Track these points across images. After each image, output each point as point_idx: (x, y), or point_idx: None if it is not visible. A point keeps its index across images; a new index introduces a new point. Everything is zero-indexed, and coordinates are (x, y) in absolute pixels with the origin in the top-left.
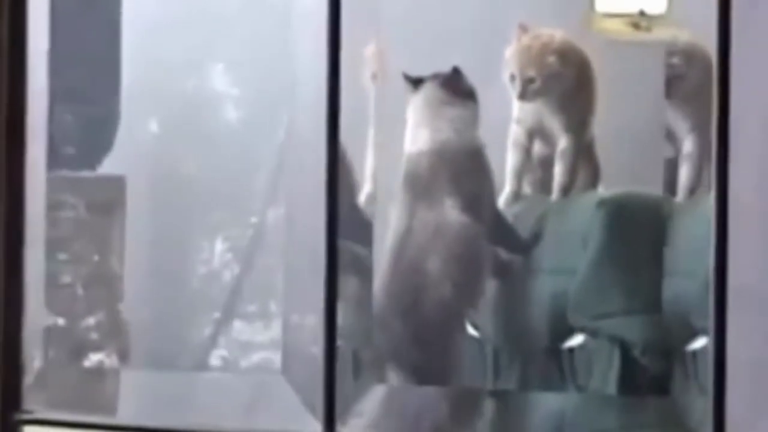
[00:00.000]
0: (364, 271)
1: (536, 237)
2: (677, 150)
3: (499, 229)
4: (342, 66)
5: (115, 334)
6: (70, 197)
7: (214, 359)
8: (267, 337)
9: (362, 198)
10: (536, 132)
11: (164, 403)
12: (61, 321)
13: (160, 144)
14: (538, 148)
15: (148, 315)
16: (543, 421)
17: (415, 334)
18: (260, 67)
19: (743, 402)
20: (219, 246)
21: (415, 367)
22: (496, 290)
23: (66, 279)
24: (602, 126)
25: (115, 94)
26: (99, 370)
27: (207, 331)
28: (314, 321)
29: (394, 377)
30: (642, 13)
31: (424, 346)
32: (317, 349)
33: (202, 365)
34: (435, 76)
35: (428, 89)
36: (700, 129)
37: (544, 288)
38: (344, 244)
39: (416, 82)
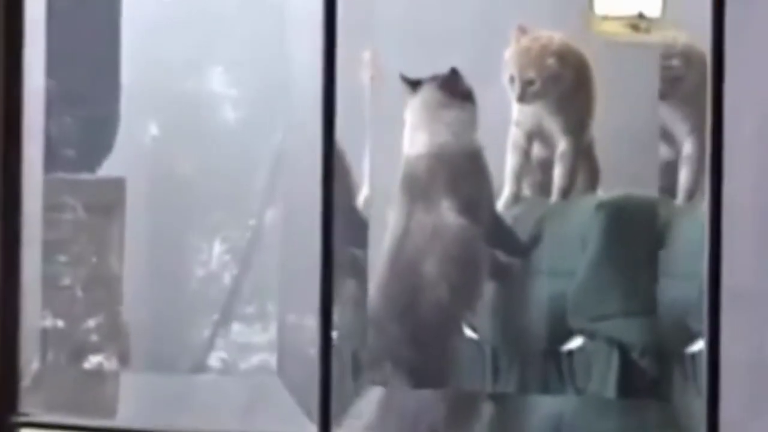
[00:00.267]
0: (361, 273)
1: (535, 239)
2: (677, 152)
3: (498, 232)
4: (339, 68)
5: (114, 336)
6: (69, 199)
7: (213, 361)
8: (265, 339)
9: (360, 200)
10: (535, 134)
11: (162, 405)
12: (60, 323)
13: (159, 146)
14: (537, 150)
15: (147, 317)
16: (541, 424)
17: (412, 336)
18: (258, 69)
19: (737, 403)
20: (217, 247)
21: (412, 369)
22: (495, 292)
23: (65, 281)
24: (601, 128)
25: (114, 96)
26: (98, 373)
27: (206, 332)
28: (310, 323)
29: (391, 379)
30: (641, 16)
31: (422, 348)
32: (313, 351)
33: (201, 367)
34: (433, 78)
35: (426, 91)
36: (699, 131)
37: (542, 290)
38: (341, 246)
39: (414, 84)
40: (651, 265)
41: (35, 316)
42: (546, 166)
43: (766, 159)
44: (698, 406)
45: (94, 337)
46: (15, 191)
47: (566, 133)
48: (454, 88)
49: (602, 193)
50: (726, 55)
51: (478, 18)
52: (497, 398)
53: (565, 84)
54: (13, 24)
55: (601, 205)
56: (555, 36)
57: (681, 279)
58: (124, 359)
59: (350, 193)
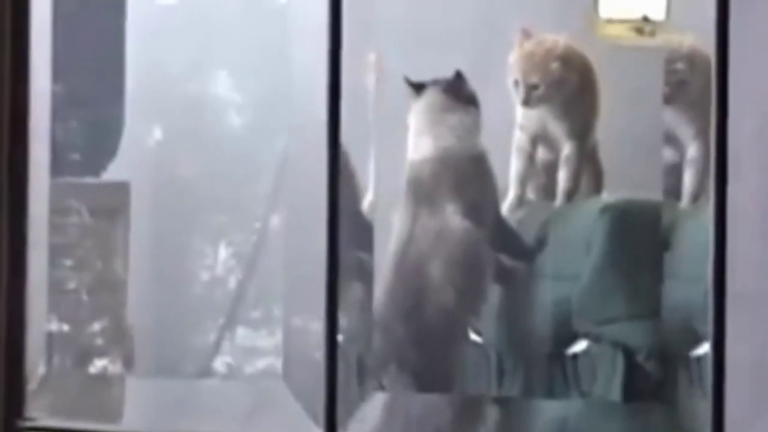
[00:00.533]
0: (366, 277)
1: (540, 243)
2: (681, 156)
3: (502, 235)
4: (344, 72)
5: (119, 340)
6: (73, 203)
7: (218, 365)
8: (271, 343)
9: (364, 204)
10: (540, 138)
11: (167, 409)
12: (65, 327)
13: (163, 150)
14: (541, 153)
15: (152, 321)
16: (546, 427)
17: (417, 340)
18: (262, 73)
19: (742, 404)
20: (222, 252)
21: (417, 373)
22: (499, 296)
23: (70, 285)
24: (606, 131)
25: (118, 99)
26: (103, 377)
27: (211, 337)
28: (316, 327)
29: (396, 383)
30: (645, 19)
31: (426, 352)
32: (319, 355)
33: (206, 371)
34: (436, 82)
35: (430, 95)
36: (704, 135)
37: (547, 294)
38: (346, 250)
39: (418, 88)
40: (655, 268)
41: (41, 320)
42: (550, 169)
43: None
44: (703, 410)
45: (99, 341)
46: (21, 194)
47: (570, 136)
48: (458, 92)
49: (607, 197)
50: (730, 57)
51: (482, 21)
52: (502, 402)
53: (569, 88)
54: (19, 26)
55: (605, 209)
56: (559, 40)
57: (686, 282)
58: (129, 363)
59: (355, 196)
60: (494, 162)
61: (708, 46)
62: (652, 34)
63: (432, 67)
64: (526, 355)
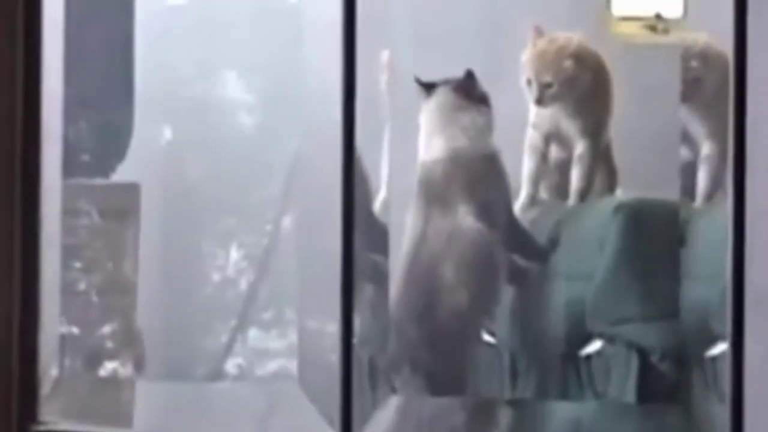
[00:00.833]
0: (380, 279)
1: (553, 243)
2: (695, 154)
3: (515, 235)
4: (356, 72)
5: (129, 343)
6: (83, 204)
7: (230, 367)
8: (283, 345)
9: (377, 205)
10: (553, 136)
11: (179, 412)
12: (75, 329)
13: (173, 151)
14: (554, 152)
15: (163, 323)
16: (560, 429)
17: (430, 342)
18: (273, 73)
19: (762, 405)
20: (234, 253)
21: (430, 375)
22: (512, 297)
23: (80, 287)
24: (619, 130)
25: (128, 101)
26: (113, 380)
27: (222, 339)
28: (330, 329)
29: (409, 386)
30: (658, 16)
31: (440, 354)
32: (334, 358)
33: (218, 373)
34: (447, 81)
35: (441, 94)
36: (718, 133)
37: (560, 294)
38: (360, 251)
39: (429, 87)
40: (670, 267)
41: (54, 323)
42: (563, 168)
43: None
44: (719, 412)
45: (109, 344)
46: (34, 196)
47: (584, 135)
48: (469, 91)
49: (620, 195)
50: (748, 54)
51: (494, 19)
52: (515, 404)
53: (582, 86)
54: (31, 28)
55: (619, 207)
56: (572, 37)
57: (701, 281)
58: (139, 366)
59: (367, 197)
60: (507, 161)
61: (723, 44)
62: (666, 31)
63: (443, 66)
64: (539, 355)
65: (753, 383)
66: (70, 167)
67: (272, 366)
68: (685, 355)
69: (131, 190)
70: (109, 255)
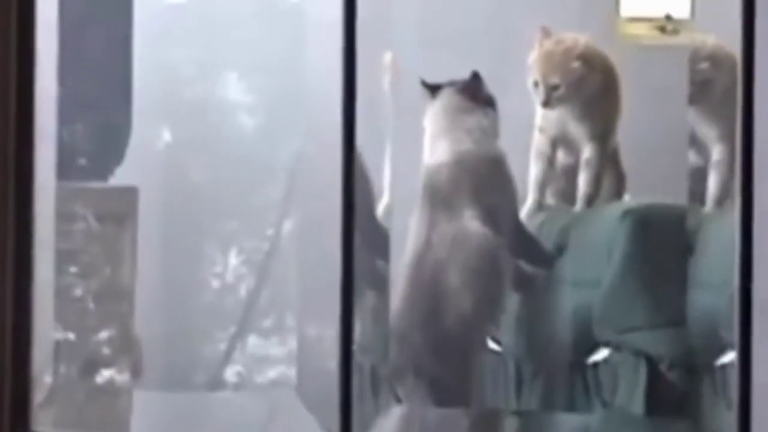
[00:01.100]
0: (385, 285)
1: (560, 249)
2: (705, 158)
3: (522, 241)
4: (358, 74)
5: (126, 350)
6: (80, 208)
7: (229, 375)
8: (283, 352)
9: (380, 209)
10: (560, 140)
11: (177, 421)
12: (71, 336)
13: (172, 153)
14: (561, 156)
15: (161, 330)
16: None
17: (435, 350)
18: (274, 74)
19: None
20: (233, 258)
21: (434, 383)
22: (519, 304)
23: (76, 292)
24: (627, 133)
25: (126, 102)
26: (110, 387)
27: (221, 346)
28: (330, 336)
29: (412, 395)
30: (668, 17)
31: (445, 362)
32: (333, 365)
33: (217, 381)
34: (452, 83)
35: (446, 96)
36: (729, 136)
37: (567, 301)
38: (363, 257)
39: (433, 89)
40: (679, 274)
41: (48, 329)
42: (570, 173)
43: None
44: (729, 422)
45: (106, 351)
46: (27, 198)
47: (591, 138)
48: (475, 93)
49: (628, 201)
50: (756, 56)
51: (500, 20)
52: (521, 413)
53: (590, 88)
54: (25, 26)
55: (627, 213)
56: (580, 39)
57: (711, 288)
58: (137, 374)
59: (370, 201)
60: (513, 165)
61: (732, 44)
62: (675, 32)
63: (448, 67)
64: (545, 364)
65: (761, 393)
66: (66, 170)
67: (272, 374)
68: (695, 364)
69: (129, 193)
70: (107, 260)
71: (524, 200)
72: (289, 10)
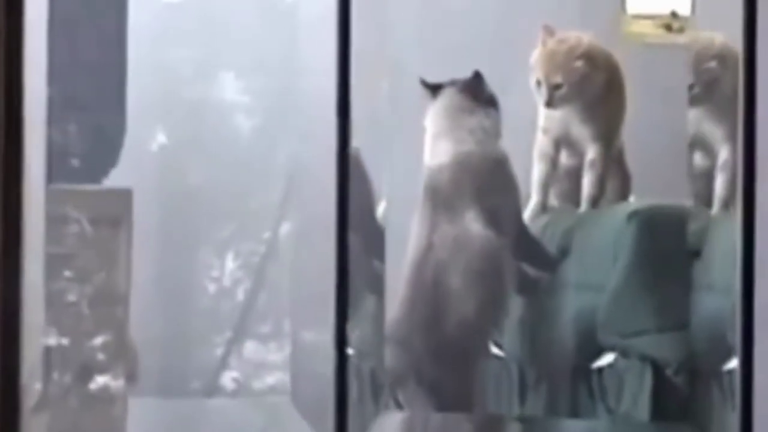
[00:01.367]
0: (384, 288)
1: (564, 251)
2: (712, 159)
3: (525, 244)
4: (357, 73)
5: (121, 356)
6: (73, 211)
7: (226, 381)
8: (280, 358)
9: (380, 211)
10: (563, 141)
11: (173, 428)
12: (64, 341)
13: (168, 155)
14: (565, 157)
15: (157, 335)
16: None
17: (435, 355)
18: (271, 75)
19: None
20: (230, 262)
21: (436, 388)
22: (522, 308)
23: (70, 297)
24: (633, 133)
25: (120, 102)
26: (104, 394)
27: (218, 352)
28: (325, 341)
29: (413, 400)
30: (674, 15)
31: (446, 367)
32: (328, 370)
33: (213, 387)
34: (454, 82)
35: (447, 96)
36: (735, 136)
37: (571, 305)
38: (363, 260)
39: (435, 89)
40: (686, 277)
41: (37, 334)
42: (574, 174)
43: None
44: (736, 427)
45: (100, 357)
46: (16, 200)
47: (596, 139)
48: (476, 93)
49: (634, 202)
50: (758, 54)
51: (502, 19)
52: (524, 419)
53: (594, 88)
54: (13, 25)
55: (632, 215)
56: (583, 37)
57: (717, 292)
58: (132, 380)
59: (371, 203)
60: (515, 166)
61: (735, 41)
62: (681, 30)
63: (449, 66)
64: (549, 369)
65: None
66: (58, 172)
67: (270, 380)
68: (702, 369)
69: (124, 196)
70: (101, 264)
71: (527, 202)
72: (287, 8)
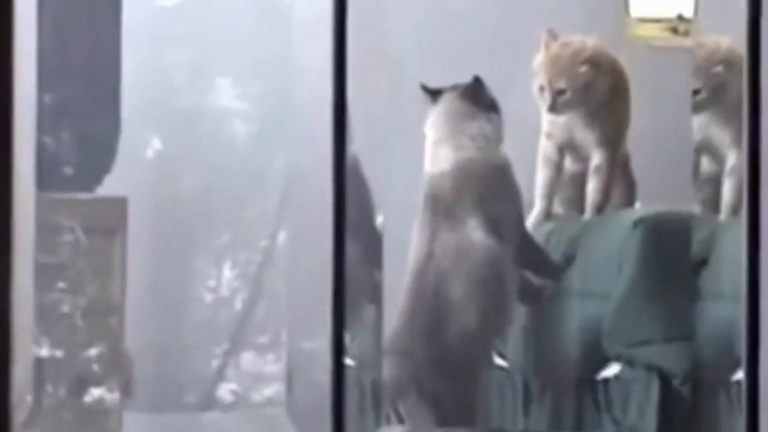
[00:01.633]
0: (380, 297)
1: (568, 259)
2: (719, 164)
3: (528, 251)
4: (355, 78)
5: (116, 367)
6: (67, 220)
7: (223, 393)
8: (278, 369)
9: (379, 219)
10: (567, 147)
11: None
12: (58, 353)
13: (163, 162)
14: (569, 163)
15: (152, 346)
16: None
17: (438, 365)
18: (268, 81)
19: None
20: (227, 272)
21: (438, 400)
22: (525, 317)
23: (63, 308)
24: (638, 139)
25: (114, 109)
26: (99, 407)
27: (214, 363)
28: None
29: (416, 412)
30: (680, 18)
31: (449, 378)
32: (325, 381)
33: (210, 400)
34: (454, 87)
35: (447, 101)
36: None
37: (576, 314)
38: (362, 269)
39: (435, 94)
40: (692, 285)
41: (28, 346)
42: (579, 180)
43: None
44: None
45: (94, 369)
46: (5, 207)
47: (600, 144)
48: (477, 98)
49: (640, 209)
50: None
51: (504, 22)
52: None
53: (598, 93)
54: (2, 29)
55: (638, 222)
56: (587, 41)
57: (725, 300)
58: (127, 392)
59: (370, 211)
60: (518, 173)
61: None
62: (687, 33)
63: (450, 71)
64: (554, 380)
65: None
66: (51, 180)
67: (268, 392)
68: (709, 380)
69: (118, 204)
70: (95, 274)
71: (530, 209)
72: (283, 13)
